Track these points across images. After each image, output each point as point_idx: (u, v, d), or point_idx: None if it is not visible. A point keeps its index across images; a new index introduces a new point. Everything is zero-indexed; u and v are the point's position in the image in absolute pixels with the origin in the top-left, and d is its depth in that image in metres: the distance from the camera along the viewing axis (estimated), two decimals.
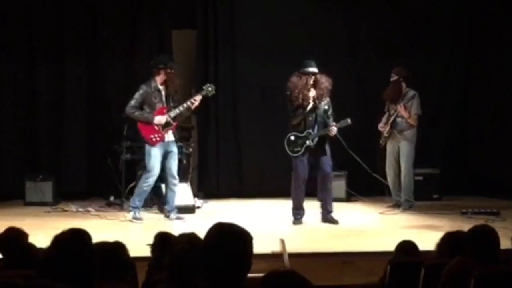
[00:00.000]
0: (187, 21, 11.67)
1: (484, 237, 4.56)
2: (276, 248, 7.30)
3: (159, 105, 9.30)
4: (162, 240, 4.95)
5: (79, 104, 11.30)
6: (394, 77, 10.17)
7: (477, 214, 9.46)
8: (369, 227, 8.94)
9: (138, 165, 10.23)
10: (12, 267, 4.81)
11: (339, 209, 10.20)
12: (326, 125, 9.04)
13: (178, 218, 9.41)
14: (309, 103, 8.95)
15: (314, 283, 2.84)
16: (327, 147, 9.12)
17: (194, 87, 11.75)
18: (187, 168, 10.61)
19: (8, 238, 5.23)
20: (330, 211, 9.16)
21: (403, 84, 10.17)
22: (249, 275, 3.13)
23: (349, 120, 9.04)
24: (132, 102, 9.26)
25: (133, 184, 9.96)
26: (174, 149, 9.44)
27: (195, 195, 10.42)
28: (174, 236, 4.88)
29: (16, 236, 5.28)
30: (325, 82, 8.98)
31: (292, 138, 9.05)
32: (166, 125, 9.31)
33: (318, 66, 9.09)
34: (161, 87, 9.33)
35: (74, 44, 11.28)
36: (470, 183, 11.32)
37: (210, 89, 9.57)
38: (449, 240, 5.02)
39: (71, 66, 11.28)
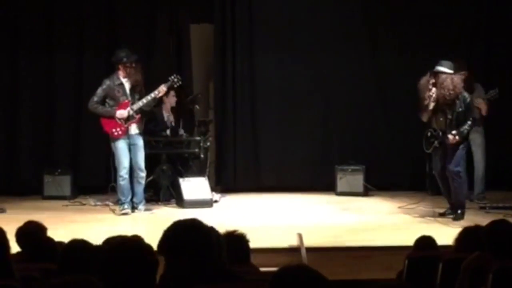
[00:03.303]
0: (205, 15, 11.68)
1: (502, 232, 4.55)
2: (293, 242, 7.31)
3: (123, 99, 9.47)
4: None
5: None
6: (463, 73, 10.08)
7: (496, 208, 9.43)
8: (386, 222, 8.91)
9: (156, 159, 10.26)
10: (31, 260, 4.84)
11: (356, 204, 10.22)
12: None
13: (146, 209, 9.62)
14: (429, 101, 8.71)
15: (331, 277, 2.83)
16: (459, 151, 8.77)
17: (212, 80, 11.78)
18: (204, 162, 10.62)
19: (27, 232, 5.26)
20: (457, 210, 8.87)
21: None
22: (266, 269, 3.15)
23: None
24: (95, 98, 9.48)
25: (150, 178, 9.98)
26: (139, 142, 9.55)
27: (212, 189, 10.44)
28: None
29: (35, 229, 5.31)
30: (445, 81, 8.63)
31: (429, 134, 8.82)
32: (129, 118, 9.43)
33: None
34: (124, 81, 9.49)
35: (92, 39, 11.31)
36: (489, 177, 11.24)
37: (176, 79, 9.75)
38: (467, 235, 5.00)
39: (90, 60, 11.31)
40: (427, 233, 5.68)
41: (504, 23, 11.41)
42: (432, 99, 8.72)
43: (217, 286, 3.56)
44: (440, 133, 8.76)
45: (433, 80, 8.72)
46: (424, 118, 8.89)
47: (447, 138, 8.66)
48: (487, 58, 11.57)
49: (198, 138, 10.53)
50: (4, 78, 11.24)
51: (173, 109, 10.80)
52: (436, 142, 8.78)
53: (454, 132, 8.65)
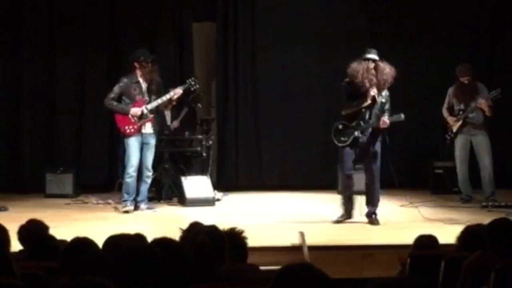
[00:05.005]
0: (208, 14, 11.69)
1: (504, 230, 4.54)
2: (295, 240, 7.31)
3: (138, 97, 9.50)
4: (191, 230, 4.94)
5: (100, 96, 11.33)
6: (466, 79, 9.97)
7: (497, 207, 9.43)
8: (389, 220, 8.89)
9: (158, 158, 10.25)
10: (33, 259, 4.85)
11: (359, 202, 10.20)
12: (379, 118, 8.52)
13: (149, 208, 9.61)
14: (373, 87, 8.46)
15: (333, 276, 2.83)
16: (378, 145, 8.65)
17: (214, 79, 11.78)
18: (206, 160, 10.62)
19: (30, 230, 5.27)
20: (371, 210, 8.77)
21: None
22: (267, 267, 3.15)
23: (402, 116, 8.54)
24: (111, 95, 9.54)
25: (152, 176, 9.97)
26: (152, 141, 9.58)
27: (214, 188, 10.44)
28: (203, 227, 4.89)
29: (37, 228, 5.32)
30: (388, 69, 8.51)
31: (340, 127, 8.61)
32: (143, 117, 9.45)
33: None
34: (141, 80, 9.52)
35: (95, 36, 11.33)
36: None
37: (193, 83, 9.80)
38: (469, 234, 5.00)
39: (92, 57, 11.33)
40: (429, 232, 5.67)
41: (507, 22, 11.40)
42: (375, 84, 8.48)
43: (215, 286, 3.58)
44: (362, 123, 8.55)
45: (372, 67, 8.47)
46: (345, 111, 8.64)
47: (382, 122, 8.42)
48: (489, 58, 11.56)
49: (200, 136, 10.54)
50: (6, 77, 11.26)
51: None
52: (357, 133, 8.54)
53: (386, 116, 8.49)
